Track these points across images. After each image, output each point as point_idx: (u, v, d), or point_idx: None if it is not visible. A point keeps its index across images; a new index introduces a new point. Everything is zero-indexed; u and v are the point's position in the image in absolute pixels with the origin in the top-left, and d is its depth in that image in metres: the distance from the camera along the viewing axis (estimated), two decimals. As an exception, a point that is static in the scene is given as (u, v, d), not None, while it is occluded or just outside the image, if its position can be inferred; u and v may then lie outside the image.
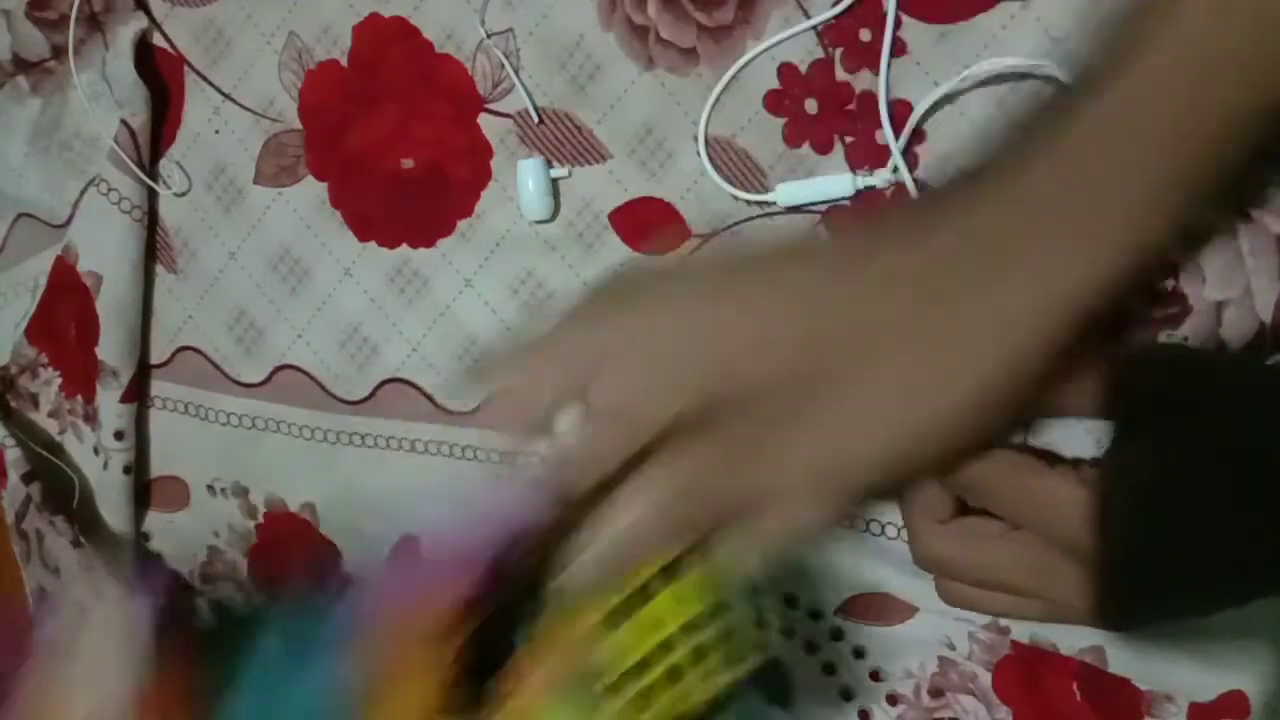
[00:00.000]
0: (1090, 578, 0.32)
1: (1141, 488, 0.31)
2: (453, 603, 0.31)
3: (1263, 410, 0.31)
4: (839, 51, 0.44)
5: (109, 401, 0.60)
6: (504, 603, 0.32)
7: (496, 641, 0.32)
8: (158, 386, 0.62)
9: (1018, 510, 0.34)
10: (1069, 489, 0.32)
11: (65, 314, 0.60)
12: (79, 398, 0.62)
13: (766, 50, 0.45)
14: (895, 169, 0.43)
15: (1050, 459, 0.35)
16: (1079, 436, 0.39)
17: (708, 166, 0.47)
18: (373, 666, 0.31)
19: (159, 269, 0.60)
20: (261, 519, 0.61)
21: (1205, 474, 0.30)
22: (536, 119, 0.49)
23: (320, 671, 0.31)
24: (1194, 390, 0.32)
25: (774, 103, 0.45)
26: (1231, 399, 0.31)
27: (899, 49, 0.43)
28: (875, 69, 0.43)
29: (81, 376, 0.61)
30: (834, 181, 0.45)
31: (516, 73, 0.49)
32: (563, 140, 0.49)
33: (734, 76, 0.46)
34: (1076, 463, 0.35)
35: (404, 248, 0.54)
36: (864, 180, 0.44)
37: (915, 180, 0.44)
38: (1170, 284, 0.41)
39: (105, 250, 0.58)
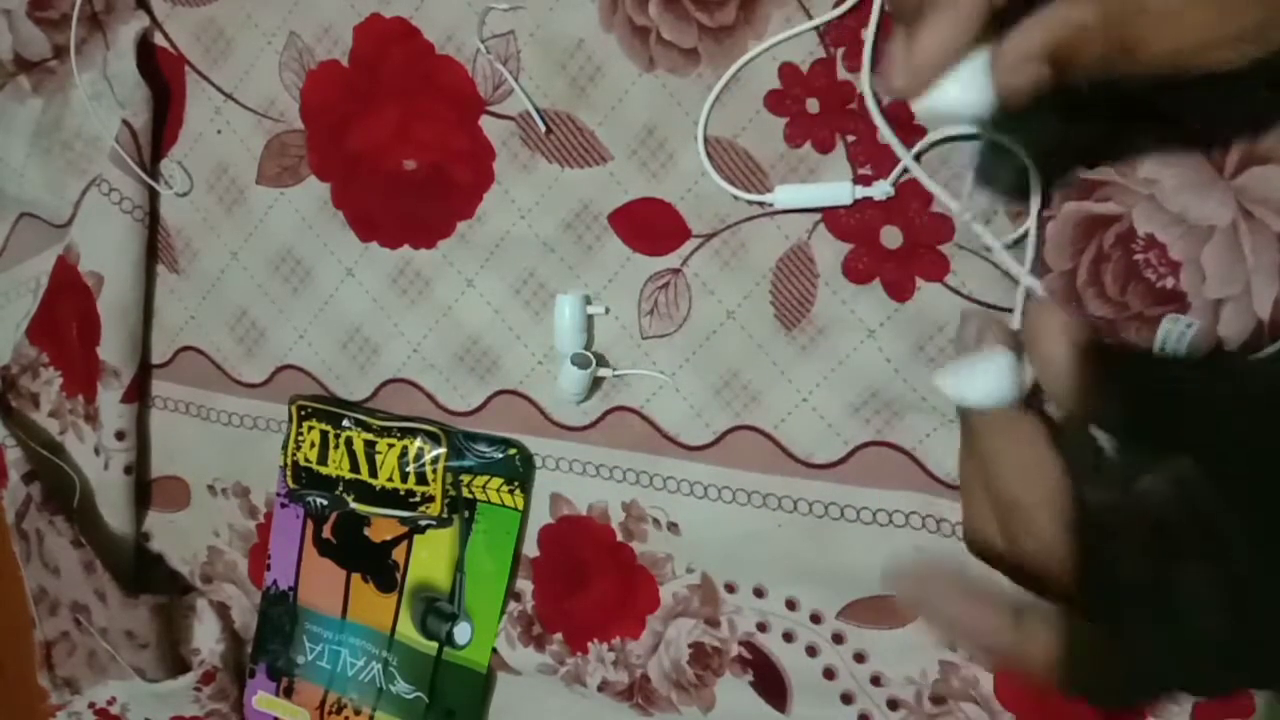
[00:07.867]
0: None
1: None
2: None
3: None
4: (840, 51, 0.44)
5: (110, 402, 0.60)
6: None
7: None
8: (159, 386, 0.62)
9: None
10: None
11: (67, 314, 0.60)
12: (80, 398, 0.62)
13: (768, 50, 0.45)
14: (905, 170, 0.43)
15: None
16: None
17: (708, 167, 0.47)
18: None
19: (160, 269, 0.60)
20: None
21: None
22: (544, 128, 0.49)
23: None
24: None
25: (775, 102, 0.45)
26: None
27: (900, 49, 0.43)
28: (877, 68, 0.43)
29: (82, 376, 0.61)
30: (833, 189, 0.45)
31: (515, 77, 0.49)
32: (564, 143, 0.49)
33: (735, 76, 0.46)
34: None
35: (406, 248, 0.54)
36: (863, 192, 0.44)
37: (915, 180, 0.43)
38: (1170, 281, 0.41)
39: (107, 250, 0.58)
